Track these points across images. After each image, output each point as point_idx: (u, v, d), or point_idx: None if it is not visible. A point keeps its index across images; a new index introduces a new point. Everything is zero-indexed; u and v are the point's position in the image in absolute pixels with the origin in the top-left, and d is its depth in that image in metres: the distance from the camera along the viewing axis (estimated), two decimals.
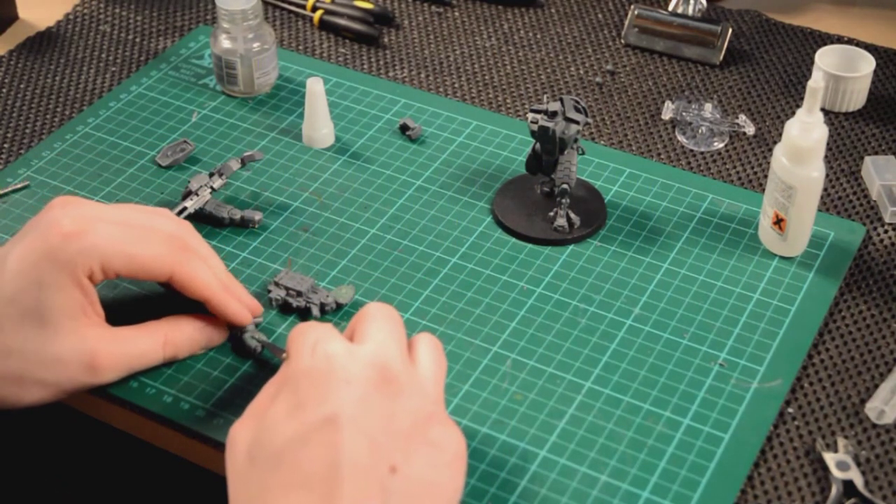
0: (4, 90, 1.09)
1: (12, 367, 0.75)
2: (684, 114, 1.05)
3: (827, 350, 0.85)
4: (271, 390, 0.70)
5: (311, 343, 0.70)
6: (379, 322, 0.72)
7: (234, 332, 0.84)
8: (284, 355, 0.75)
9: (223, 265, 0.83)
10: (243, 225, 0.94)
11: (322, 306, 0.86)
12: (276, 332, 0.85)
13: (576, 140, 0.92)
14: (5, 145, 1.03)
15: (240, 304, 0.82)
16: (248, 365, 0.83)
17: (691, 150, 1.03)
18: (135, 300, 0.88)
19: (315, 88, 1.00)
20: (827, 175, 0.99)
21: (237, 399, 0.81)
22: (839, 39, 1.16)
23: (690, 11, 1.16)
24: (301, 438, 0.65)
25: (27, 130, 1.05)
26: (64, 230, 0.76)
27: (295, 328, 0.73)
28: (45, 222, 0.77)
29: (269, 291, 0.87)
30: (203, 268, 0.80)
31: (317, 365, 0.68)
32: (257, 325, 0.85)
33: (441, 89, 1.10)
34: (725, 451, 0.77)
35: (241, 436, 0.67)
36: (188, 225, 0.82)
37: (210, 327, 0.82)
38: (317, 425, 0.65)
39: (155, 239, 0.78)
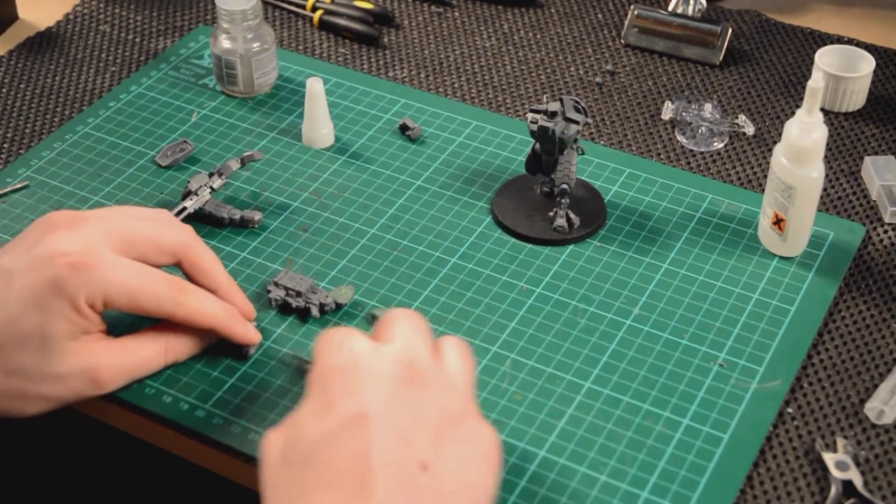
0: (4, 90, 1.09)
1: (15, 384, 0.76)
2: (684, 114, 1.05)
3: (826, 350, 0.85)
4: (305, 395, 0.69)
5: (336, 343, 0.69)
6: (403, 323, 0.72)
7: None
8: (307, 367, 0.75)
9: (224, 270, 0.83)
10: (243, 225, 0.94)
11: (321, 306, 0.86)
12: (275, 332, 0.85)
13: (575, 140, 0.92)
14: (5, 145, 1.03)
15: (245, 326, 0.82)
16: (248, 365, 0.83)
17: (691, 151, 1.03)
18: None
19: (315, 88, 1.00)
20: (827, 175, 0.99)
21: (237, 399, 0.81)
22: (839, 39, 1.16)
23: (690, 11, 1.16)
24: (331, 436, 0.64)
25: (27, 130, 1.05)
26: (72, 260, 0.75)
27: (319, 335, 0.72)
28: (53, 246, 0.76)
29: (269, 291, 0.87)
30: (206, 300, 0.80)
31: (343, 363, 0.68)
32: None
33: (441, 89, 1.10)
34: (725, 451, 0.77)
35: (274, 441, 0.67)
36: (190, 230, 0.82)
37: (210, 331, 0.82)
38: (346, 422, 0.64)
39: (157, 278, 0.78)
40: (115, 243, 0.78)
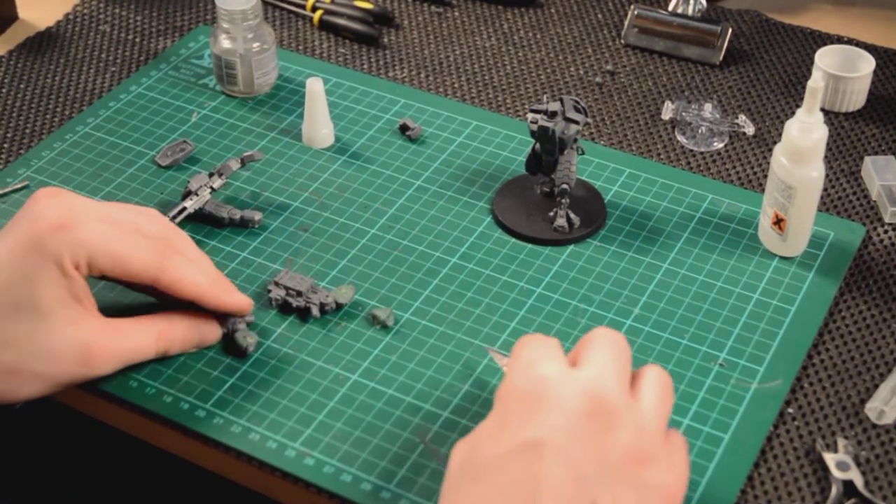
0: (4, 90, 1.09)
1: (7, 359, 0.75)
2: (684, 114, 1.05)
3: (827, 350, 0.85)
4: (492, 408, 0.68)
5: (526, 362, 0.67)
6: (602, 346, 0.68)
7: (227, 331, 0.84)
8: (504, 363, 0.75)
9: (212, 264, 0.83)
10: (243, 225, 0.94)
11: (322, 306, 0.86)
12: (276, 332, 0.85)
13: (575, 140, 0.92)
14: (5, 145, 1.03)
15: (231, 295, 0.82)
16: (247, 364, 0.83)
17: (691, 151, 1.03)
18: (131, 299, 0.88)
19: (315, 88, 1.00)
20: (827, 175, 0.99)
21: (237, 399, 0.81)
22: (839, 39, 1.16)
23: (690, 11, 1.16)
24: (503, 458, 0.63)
25: (27, 130, 1.05)
26: (51, 222, 0.76)
27: (520, 340, 0.71)
28: (32, 214, 0.77)
29: (269, 291, 0.87)
30: (190, 267, 0.80)
31: (528, 386, 0.66)
32: (249, 325, 0.85)
33: (441, 89, 1.10)
34: (725, 451, 0.77)
35: (458, 452, 0.66)
36: (173, 226, 0.82)
37: (204, 325, 0.83)
38: (520, 448, 0.63)
39: (141, 241, 0.78)
40: (98, 218, 0.78)
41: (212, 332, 0.83)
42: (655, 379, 0.69)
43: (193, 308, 0.83)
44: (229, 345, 0.84)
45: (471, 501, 0.63)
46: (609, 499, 0.62)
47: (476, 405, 0.80)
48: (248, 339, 0.83)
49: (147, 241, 0.79)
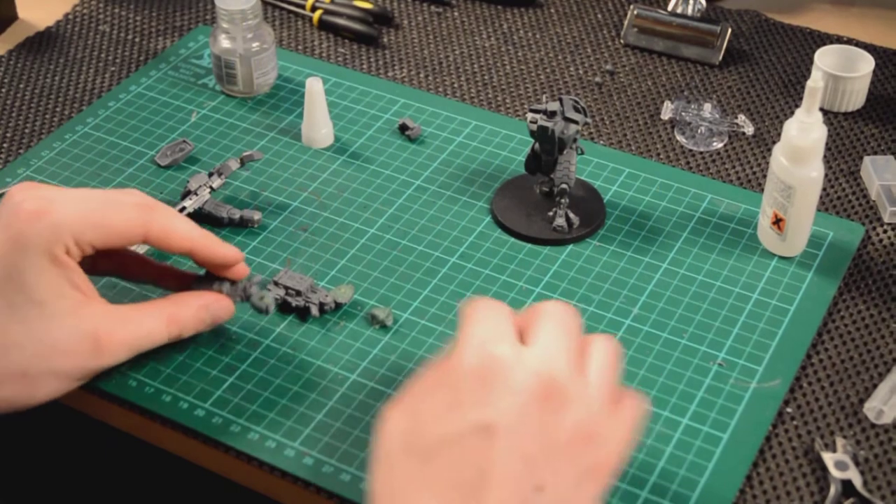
0: (4, 90, 1.09)
1: (14, 362, 0.74)
2: (683, 114, 1.05)
3: (826, 350, 0.85)
4: (432, 380, 0.67)
5: (479, 340, 0.67)
6: (553, 323, 0.69)
7: (240, 299, 0.82)
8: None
9: (196, 226, 0.81)
10: (242, 224, 0.94)
11: (321, 306, 0.86)
12: (275, 331, 0.85)
13: (575, 140, 0.92)
14: (5, 145, 1.03)
15: (225, 245, 0.80)
16: (247, 364, 0.83)
17: (690, 150, 1.03)
18: (134, 295, 0.88)
19: (314, 88, 1.00)
20: (826, 175, 0.99)
21: (236, 398, 0.81)
22: (838, 39, 1.16)
23: (690, 11, 1.16)
24: (455, 440, 0.63)
25: (27, 130, 1.05)
26: (28, 212, 0.74)
27: (470, 309, 0.70)
28: (7, 210, 0.75)
29: (269, 291, 0.87)
30: (178, 217, 0.79)
31: (482, 366, 0.66)
32: (263, 285, 0.84)
33: (440, 89, 1.10)
34: (724, 450, 0.77)
35: (397, 422, 0.66)
36: (153, 198, 0.80)
37: (215, 303, 0.81)
38: (472, 430, 0.63)
39: (121, 205, 0.77)
40: (73, 197, 0.76)
41: (224, 308, 0.82)
42: (602, 352, 0.69)
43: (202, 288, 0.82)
44: (234, 343, 0.84)
45: (416, 480, 0.63)
46: (552, 479, 0.63)
47: None
48: (264, 301, 0.82)
49: (127, 204, 0.77)
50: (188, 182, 0.95)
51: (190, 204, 0.93)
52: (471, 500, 0.61)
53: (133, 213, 0.77)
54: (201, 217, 0.94)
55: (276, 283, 0.87)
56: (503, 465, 0.62)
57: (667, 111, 1.06)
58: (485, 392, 0.65)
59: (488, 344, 0.67)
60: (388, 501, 0.64)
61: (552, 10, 1.21)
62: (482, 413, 0.64)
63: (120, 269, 0.84)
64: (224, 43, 1.05)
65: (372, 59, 1.14)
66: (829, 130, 1.02)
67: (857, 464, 0.77)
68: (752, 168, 1.01)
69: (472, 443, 0.63)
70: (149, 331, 0.78)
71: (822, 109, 0.95)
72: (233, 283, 0.83)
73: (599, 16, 1.20)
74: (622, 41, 1.16)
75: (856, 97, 1.06)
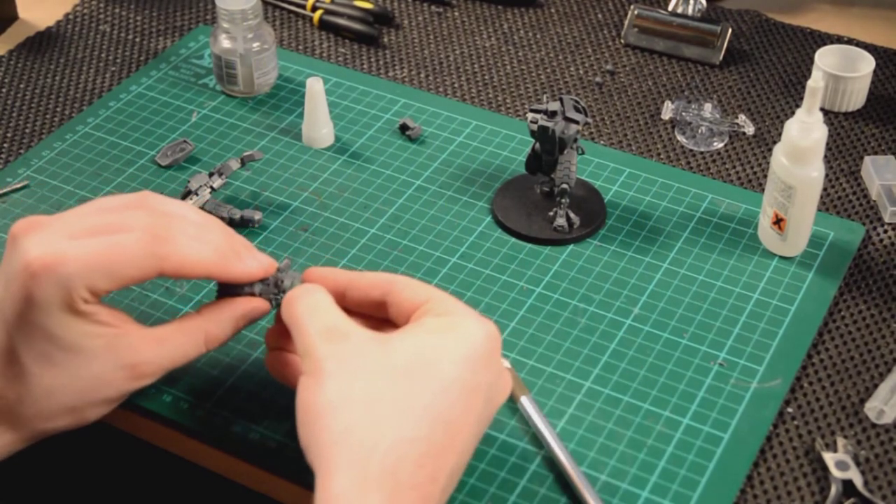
0: (4, 90, 1.09)
1: (61, 401, 0.73)
2: (684, 114, 1.05)
3: (826, 350, 0.85)
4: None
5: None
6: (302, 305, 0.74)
7: (276, 293, 0.79)
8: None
9: (219, 229, 0.77)
10: (243, 225, 0.94)
11: None
12: None
13: (575, 140, 0.92)
14: (5, 145, 1.03)
15: (243, 263, 0.77)
16: (247, 364, 0.83)
17: (691, 150, 1.03)
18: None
19: (315, 88, 1.00)
20: (826, 175, 0.99)
21: (237, 399, 0.81)
22: (839, 39, 1.16)
23: (690, 11, 1.16)
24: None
25: (27, 130, 1.05)
26: (33, 269, 0.70)
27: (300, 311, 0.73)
28: (15, 262, 0.72)
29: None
30: (189, 246, 0.74)
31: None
32: (284, 286, 0.79)
33: (441, 89, 1.10)
34: (725, 450, 0.77)
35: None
36: (164, 208, 0.76)
37: (252, 312, 0.78)
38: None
39: (129, 241, 0.72)
40: (79, 236, 0.72)
41: (260, 311, 0.78)
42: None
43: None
44: (235, 341, 0.84)
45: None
46: None
47: None
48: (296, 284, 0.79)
49: (135, 236, 0.73)
50: (189, 182, 0.95)
51: (191, 204, 0.93)
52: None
53: (143, 254, 0.72)
54: None
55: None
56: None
57: (667, 111, 1.06)
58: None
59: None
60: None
61: (552, 10, 1.21)
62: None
63: None
64: (224, 43, 1.05)
65: (372, 59, 1.14)
66: (829, 130, 1.02)
67: (857, 464, 0.77)
68: (752, 168, 1.01)
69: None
70: (185, 352, 0.76)
71: (822, 109, 0.95)
72: (263, 281, 0.78)
73: (600, 16, 1.20)
74: (622, 41, 1.16)
75: (856, 97, 1.06)
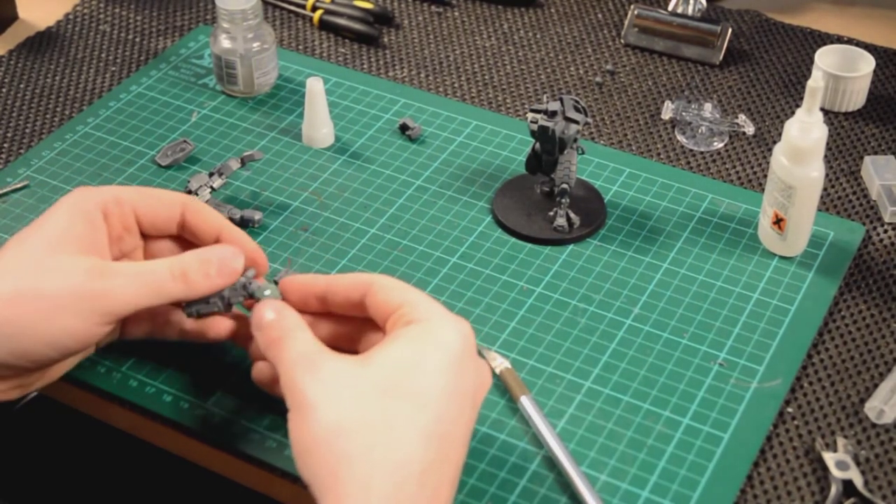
0: (4, 90, 1.10)
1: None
2: (684, 114, 1.05)
3: (826, 350, 0.85)
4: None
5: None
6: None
7: (245, 297, 0.78)
8: (497, 364, 0.77)
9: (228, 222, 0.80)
10: (243, 225, 0.94)
11: None
12: None
13: (575, 140, 0.92)
14: (5, 145, 1.03)
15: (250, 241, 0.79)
16: (247, 364, 0.83)
17: (691, 150, 1.03)
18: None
19: (315, 88, 1.00)
20: (826, 175, 0.99)
21: (237, 398, 0.81)
22: (839, 39, 1.16)
23: (690, 11, 1.16)
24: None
25: (27, 130, 1.05)
26: (75, 189, 0.76)
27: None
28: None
29: (274, 283, 0.87)
30: (208, 206, 0.80)
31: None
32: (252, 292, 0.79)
33: (441, 89, 1.10)
34: (725, 450, 0.77)
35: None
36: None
37: (219, 248, 0.77)
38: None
39: (160, 192, 0.79)
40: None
41: (232, 255, 0.76)
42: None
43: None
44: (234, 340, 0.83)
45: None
46: None
47: None
48: (266, 291, 0.77)
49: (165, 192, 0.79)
50: (189, 182, 0.95)
51: None
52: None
53: (173, 195, 0.79)
54: None
55: (276, 284, 0.87)
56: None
57: (667, 111, 1.06)
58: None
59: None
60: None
61: (552, 10, 1.21)
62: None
63: (154, 329, 0.80)
64: (224, 43, 1.05)
65: (372, 59, 1.14)
66: (829, 130, 1.02)
67: (857, 464, 0.77)
68: (752, 168, 1.01)
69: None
70: (152, 267, 0.74)
71: (822, 109, 0.95)
72: (231, 286, 0.78)
73: (600, 16, 1.20)
74: (622, 41, 1.16)
75: (856, 97, 1.06)
